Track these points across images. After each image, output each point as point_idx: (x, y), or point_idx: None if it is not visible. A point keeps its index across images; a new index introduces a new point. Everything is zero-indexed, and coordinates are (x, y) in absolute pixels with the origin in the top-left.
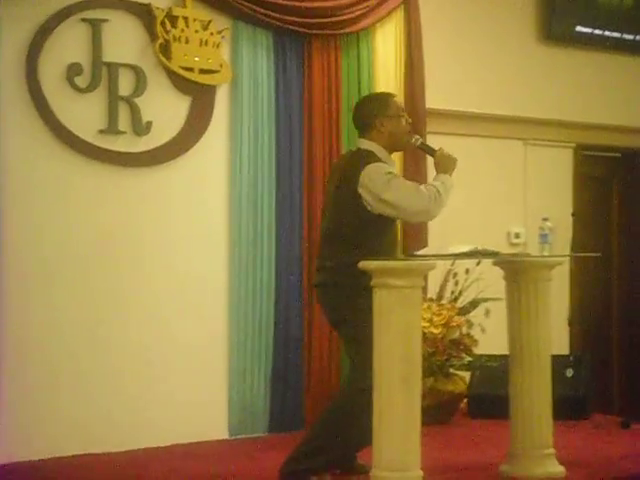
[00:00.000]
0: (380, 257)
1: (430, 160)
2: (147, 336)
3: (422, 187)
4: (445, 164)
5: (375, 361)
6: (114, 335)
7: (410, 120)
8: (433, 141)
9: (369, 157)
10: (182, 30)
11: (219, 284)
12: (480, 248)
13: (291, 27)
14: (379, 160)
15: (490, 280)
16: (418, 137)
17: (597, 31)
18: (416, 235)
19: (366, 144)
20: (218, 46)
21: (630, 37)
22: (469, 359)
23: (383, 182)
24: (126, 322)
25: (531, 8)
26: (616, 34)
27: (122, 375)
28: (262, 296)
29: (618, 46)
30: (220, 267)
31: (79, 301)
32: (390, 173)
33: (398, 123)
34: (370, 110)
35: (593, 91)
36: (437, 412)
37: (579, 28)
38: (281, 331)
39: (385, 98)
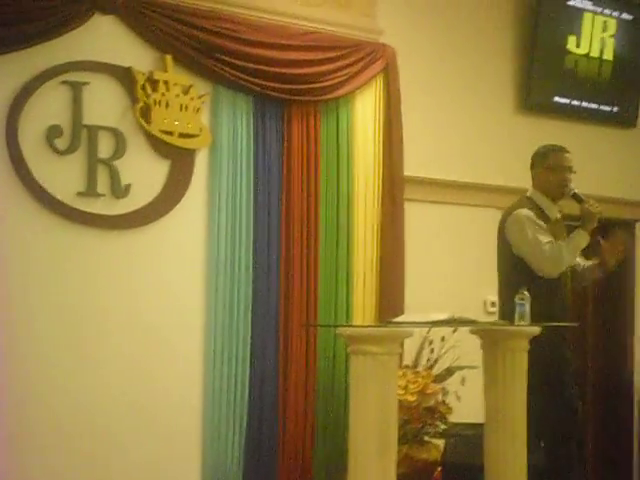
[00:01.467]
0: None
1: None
2: (119, 400)
3: (548, 245)
4: (585, 219)
5: (351, 427)
6: (87, 400)
7: (572, 173)
8: (410, 208)
9: (522, 204)
10: (163, 94)
11: (194, 348)
12: (457, 316)
13: (271, 93)
14: (535, 206)
15: (466, 348)
16: (572, 188)
17: (575, 102)
18: (392, 302)
19: (530, 192)
20: (198, 110)
21: (607, 108)
22: (444, 427)
23: (516, 230)
24: (100, 385)
25: (510, 78)
26: (593, 105)
27: (94, 440)
28: (237, 361)
29: (595, 117)
30: (195, 331)
31: (52, 362)
32: (530, 221)
33: (551, 175)
34: (533, 161)
35: None
36: None
37: (557, 99)
38: (256, 396)
39: (546, 151)
